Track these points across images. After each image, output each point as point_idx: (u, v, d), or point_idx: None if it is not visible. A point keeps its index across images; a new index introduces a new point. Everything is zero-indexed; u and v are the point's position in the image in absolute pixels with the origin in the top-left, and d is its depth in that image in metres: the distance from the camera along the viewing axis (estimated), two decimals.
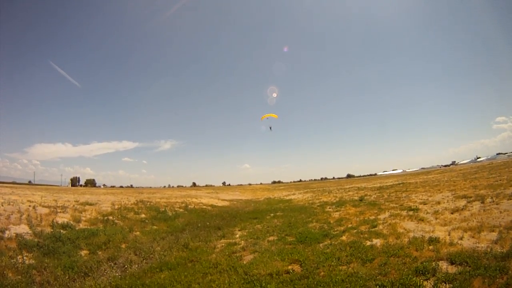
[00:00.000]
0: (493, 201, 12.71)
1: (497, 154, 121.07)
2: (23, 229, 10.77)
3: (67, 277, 7.45)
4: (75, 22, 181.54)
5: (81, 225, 13.15)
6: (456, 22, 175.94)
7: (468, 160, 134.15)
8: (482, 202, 12.91)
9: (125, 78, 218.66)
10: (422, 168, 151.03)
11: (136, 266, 8.66)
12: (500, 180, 21.00)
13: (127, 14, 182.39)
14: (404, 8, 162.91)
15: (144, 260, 9.26)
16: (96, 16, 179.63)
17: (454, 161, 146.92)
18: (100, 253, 9.94)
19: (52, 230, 11.28)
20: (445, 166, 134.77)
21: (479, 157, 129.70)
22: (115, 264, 8.85)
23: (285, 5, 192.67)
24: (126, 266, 8.59)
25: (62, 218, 13.54)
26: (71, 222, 13.17)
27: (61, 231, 11.40)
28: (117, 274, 7.91)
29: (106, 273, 8.00)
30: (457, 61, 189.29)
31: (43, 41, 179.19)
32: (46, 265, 8.06)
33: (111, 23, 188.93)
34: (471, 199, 14.37)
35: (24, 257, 8.39)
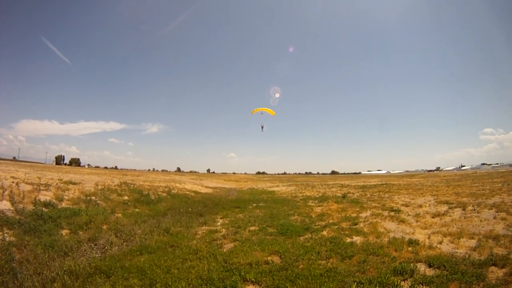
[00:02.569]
0: (474, 210, 13.01)
1: (481, 164, 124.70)
2: (5, 205, 10.58)
3: (46, 256, 7.32)
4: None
5: (64, 204, 12.94)
6: (456, 30, 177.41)
7: (452, 167, 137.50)
8: (464, 210, 13.20)
9: (117, 59, 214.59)
10: (406, 171, 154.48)
11: (117, 248, 8.57)
12: (483, 190, 21.57)
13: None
14: (406, 10, 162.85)
15: (125, 243, 9.19)
16: None
17: (439, 167, 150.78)
18: (81, 233, 9.81)
19: (34, 207, 11.06)
20: (430, 171, 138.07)
21: (464, 166, 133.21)
22: (95, 245, 8.75)
23: (287, 6, 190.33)
24: (106, 248, 8.51)
25: (45, 196, 13.33)
26: (54, 200, 12.98)
27: (43, 209, 11.21)
28: (97, 255, 7.81)
29: (86, 253, 7.89)
30: (452, 68, 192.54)
31: (35, 14, 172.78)
32: (26, 243, 7.90)
33: (108, 4, 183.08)
34: (453, 205, 14.70)
35: (5, 234, 8.21)
